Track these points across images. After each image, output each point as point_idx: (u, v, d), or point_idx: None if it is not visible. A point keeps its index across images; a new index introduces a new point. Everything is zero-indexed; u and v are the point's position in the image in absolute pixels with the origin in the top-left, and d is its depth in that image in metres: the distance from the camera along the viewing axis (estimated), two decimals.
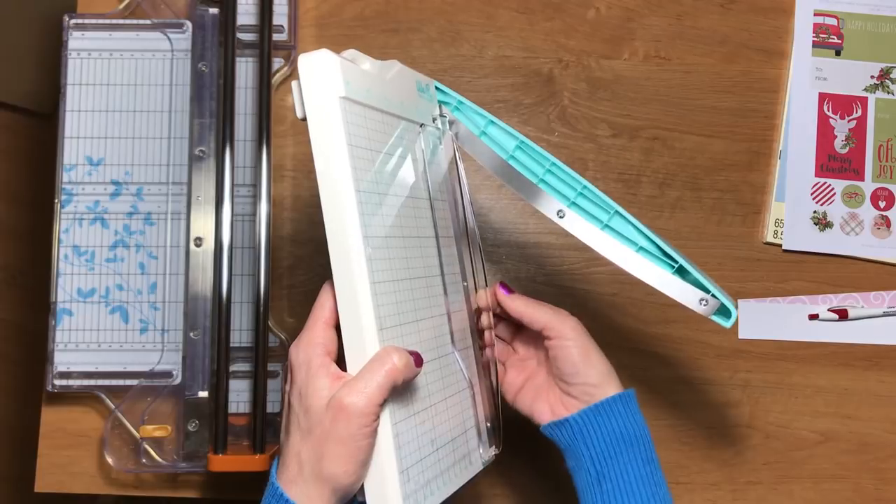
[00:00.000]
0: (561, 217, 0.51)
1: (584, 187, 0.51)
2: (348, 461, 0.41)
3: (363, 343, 0.43)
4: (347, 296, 0.43)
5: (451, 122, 0.55)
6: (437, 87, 0.55)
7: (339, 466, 0.41)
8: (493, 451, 0.53)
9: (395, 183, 0.47)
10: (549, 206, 0.52)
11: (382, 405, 0.42)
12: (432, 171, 0.52)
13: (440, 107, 0.55)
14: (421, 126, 0.52)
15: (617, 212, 0.51)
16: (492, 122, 0.54)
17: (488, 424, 0.53)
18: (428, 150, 0.52)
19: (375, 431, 0.42)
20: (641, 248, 0.50)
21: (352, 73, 0.44)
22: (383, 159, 0.47)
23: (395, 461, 0.43)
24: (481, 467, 0.52)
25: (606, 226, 0.51)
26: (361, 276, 0.43)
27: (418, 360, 0.44)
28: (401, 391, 0.44)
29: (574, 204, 0.51)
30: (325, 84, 0.43)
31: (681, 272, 0.50)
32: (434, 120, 0.54)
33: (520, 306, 0.53)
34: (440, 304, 0.50)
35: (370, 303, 0.43)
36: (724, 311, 0.49)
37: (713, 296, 0.49)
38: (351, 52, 0.47)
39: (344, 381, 0.42)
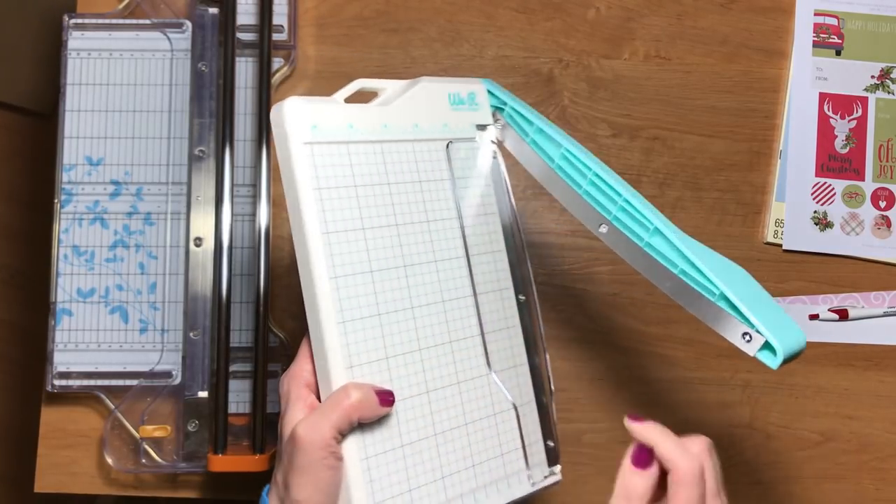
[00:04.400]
0: (602, 231, 0.49)
1: (626, 201, 0.48)
2: (312, 490, 0.42)
3: (329, 380, 0.44)
4: (315, 334, 0.44)
5: (502, 127, 0.54)
6: (490, 92, 0.54)
7: (302, 493, 0.42)
8: (549, 472, 0.51)
9: (399, 212, 0.47)
10: (592, 219, 0.50)
11: (343, 438, 0.43)
12: (466, 187, 0.51)
13: (493, 113, 0.54)
14: (449, 143, 0.51)
15: (657, 229, 0.47)
16: (540, 129, 0.52)
17: (550, 443, 0.52)
18: (458, 166, 0.51)
19: (337, 464, 0.43)
20: (683, 272, 0.46)
21: (325, 114, 0.45)
22: (378, 190, 0.47)
23: (365, 495, 0.43)
24: (531, 489, 0.50)
25: (647, 243, 0.48)
26: (327, 316, 0.44)
27: (385, 400, 0.44)
28: (375, 425, 0.44)
29: (616, 218, 0.49)
30: (287, 131, 0.44)
31: (726, 300, 0.45)
32: (482, 127, 0.53)
33: (649, 434, 0.45)
34: (468, 327, 0.50)
35: (335, 343, 0.44)
36: (771, 349, 0.43)
37: (757, 331, 0.43)
38: (359, 82, 0.48)
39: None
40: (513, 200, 0.53)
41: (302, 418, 0.43)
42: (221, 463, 0.61)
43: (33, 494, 0.66)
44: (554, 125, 0.53)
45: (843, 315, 0.69)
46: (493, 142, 0.54)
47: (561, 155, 0.51)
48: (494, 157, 0.53)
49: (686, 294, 0.46)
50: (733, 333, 0.44)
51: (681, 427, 0.68)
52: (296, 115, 0.44)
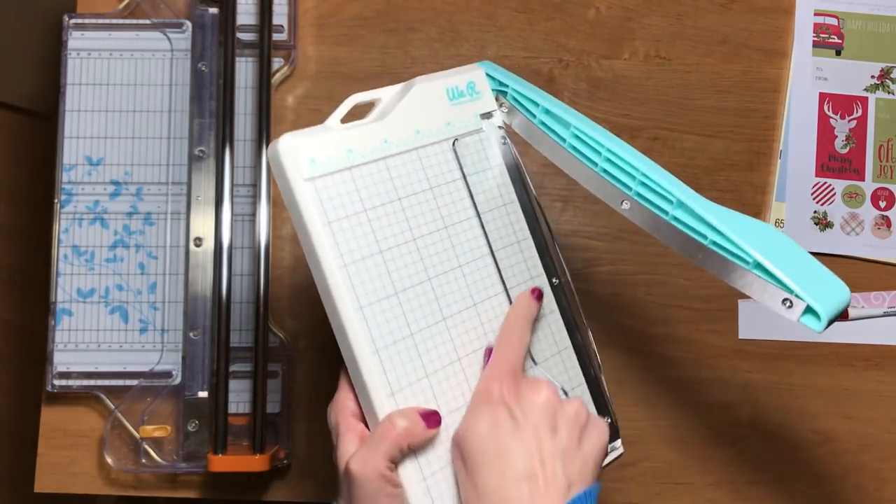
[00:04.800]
0: (625, 208, 0.47)
1: (645, 175, 0.46)
2: None
3: (373, 410, 0.43)
4: (351, 366, 0.44)
5: (508, 111, 0.52)
6: (488, 76, 0.52)
7: None
8: (610, 447, 0.50)
9: (414, 225, 0.46)
10: (613, 197, 0.48)
11: (397, 466, 0.43)
12: (481, 182, 0.50)
13: (496, 97, 0.52)
14: (455, 141, 0.50)
15: (680, 202, 0.45)
16: (546, 110, 0.50)
17: (607, 419, 0.51)
18: (469, 162, 0.50)
19: (396, 491, 0.42)
20: (713, 242, 0.44)
21: (321, 145, 0.44)
22: (390, 209, 0.46)
23: None
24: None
25: (673, 216, 0.46)
26: (360, 349, 0.43)
27: (432, 421, 0.43)
28: (427, 446, 0.44)
29: (638, 194, 0.47)
30: (286, 171, 0.43)
31: (761, 268, 0.43)
32: (487, 115, 0.52)
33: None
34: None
35: (373, 372, 0.43)
36: (814, 312, 0.42)
37: (797, 296, 0.41)
38: (352, 99, 0.47)
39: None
40: (530, 184, 0.52)
41: (353, 453, 0.43)
42: (221, 463, 0.61)
43: (33, 494, 0.66)
44: (561, 103, 0.51)
45: (843, 315, 0.69)
46: (500, 127, 0.52)
47: (572, 134, 0.50)
48: (504, 143, 0.52)
49: (720, 265, 0.44)
50: (773, 301, 0.42)
51: (681, 427, 0.69)
52: (292, 152, 0.43)
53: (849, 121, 0.71)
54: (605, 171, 0.48)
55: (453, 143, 0.50)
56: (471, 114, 0.51)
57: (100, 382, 0.64)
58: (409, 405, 0.44)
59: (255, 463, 0.61)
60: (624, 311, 0.68)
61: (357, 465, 0.42)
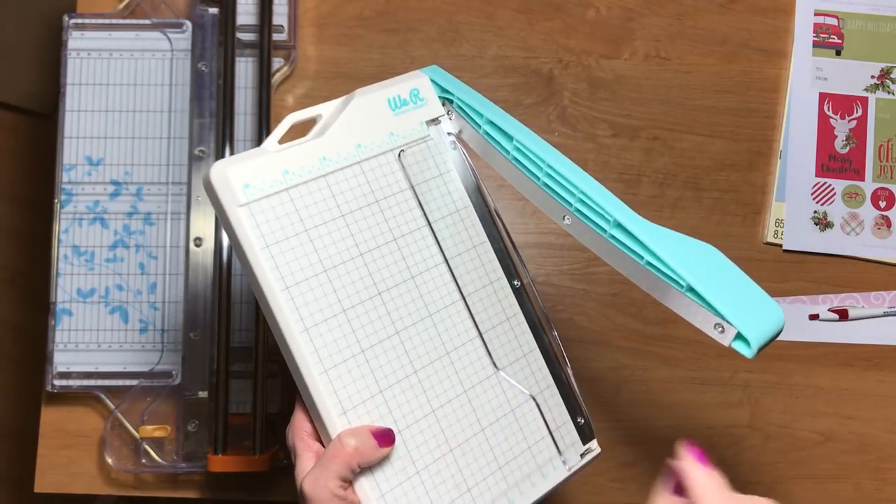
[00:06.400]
0: (567, 224, 0.47)
1: (583, 193, 0.46)
2: None
3: (325, 430, 0.43)
4: (301, 388, 0.44)
5: (455, 118, 0.51)
6: (434, 82, 0.51)
7: None
8: (585, 449, 0.50)
9: (361, 240, 0.46)
10: (555, 211, 0.48)
11: (352, 483, 0.43)
12: (431, 189, 0.50)
13: (443, 103, 0.51)
14: (400, 153, 0.49)
15: (616, 222, 0.45)
16: (489, 121, 0.50)
17: (580, 420, 0.50)
18: (417, 171, 0.49)
19: None
20: (649, 263, 0.44)
21: (253, 170, 0.44)
22: (333, 226, 0.45)
23: None
24: (568, 473, 0.49)
25: (611, 235, 0.45)
26: (307, 370, 0.43)
27: (384, 440, 0.43)
28: (384, 460, 0.44)
29: (577, 210, 0.47)
30: (219, 197, 0.43)
31: (694, 292, 0.43)
32: (434, 122, 0.51)
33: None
34: (464, 332, 0.48)
35: (322, 393, 0.43)
36: (744, 339, 0.42)
37: (728, 322, 0.41)
38: (290, 118, 0.46)
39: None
40: (484, 188, 0.51)
41: (306, 473, 0.43)
42: (221, 463, 0.61)
43: (33, 494, 0.66)
44: (504, 113, 0.50)
45: (843, 315, 0.69)
46: (449, 133, 0.51)
47: (514, 147, 0.49)
48: (455, 148, 0.51)
49: (656, 286, 0.44)
50: (706, 325, 0.42)
51: (681, 427, 0.69)
52: (224, 179, 0.43)
53: (849, 121, 0.71)
54: (546, 185, 0.48)
55: (399, 154, 0.49)
56: (416, 122, 0.50)
57: (100, 382, 0.64)
58: (363, 422, 0.44)
59: (255, 463, 0.61)
60: (624, 311, 0.68)
61: (308, 486, 0.42)
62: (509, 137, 0.49)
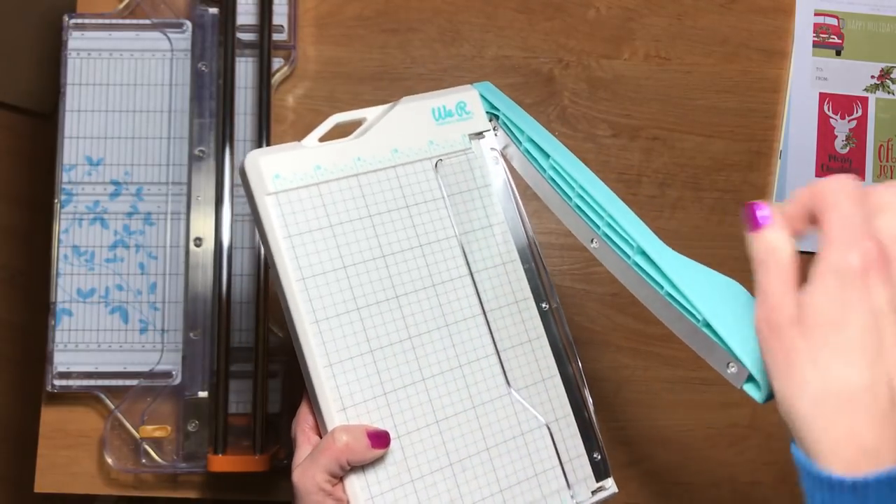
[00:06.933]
0: (594, 247, 0.47)
1: (611, 217, 0.45)
2: None
3: (324, 423, 0.44)
4: (306, 379, 0.44)
5: (500, 134, 0.51)
6: (482, 97, 0.51)
7: None
8: (598, 486, 0.49)
9: (385, 242, 0.46)
10: (584, 234, 0.47)
11: (340, 480, 0.43)
12: (465, 202, 0.49)
13: (490, 119, 0.51)
14: (437, 162, 0.49)
15: (640, 249, 0.44)
16: (530, 139, 0.49)
17: (596, 456, 0.49)
18: (453, 181, 0.49)
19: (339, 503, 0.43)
20: (668, 294, 0.44)
21: (286, 162, 0.45)
22: (359, 225, 0.46)
23: None
24: None
25: (634, 262, 0.45)
26: (313, 361, 0.43)
27: (378, 441, 0.43)
28: (380, 463, 0.43)
29: (605, 234, 0.46)
30: (250, 185, 0.45)
31: (710, 328, 0.42)
32: (478, 135, 0.51)
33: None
34: (481, 347, 0.47)
35: (325, 386, 0.43)
36: (756, 382, 0.40)
37: (741, 363, 0.40)
38: (334, 118, 0.47)
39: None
40: (521, 208, 0.51)
41: (298, 465, 0.43)
42: (221, 463, 0.61)
43: (33, 494, 0.66)
44: (546, 131, 0.50)
45: None
46: (493, 148, 0.51)
47: (550, 165, 0.49)
48: (497, 163, 0.51)
49: (674, 318, 0.44)
50: (719, 363, 0.41)
51: (681, 427, 0.69)
52: (256, 168, 0.44)
53: (849, 121, 0.71)
54: (577, 206, 0.48)
55: (436, 163, 0.49)
56: (458, 134, 0.50)
57: (100, 382, 0.64)
58: (362, 421, 0.44)
59: (256, 463, 0.61)
60: (624, 311, 0.68)
61: (297, 476, 0.43)
62: (546, 156, 0.49)
